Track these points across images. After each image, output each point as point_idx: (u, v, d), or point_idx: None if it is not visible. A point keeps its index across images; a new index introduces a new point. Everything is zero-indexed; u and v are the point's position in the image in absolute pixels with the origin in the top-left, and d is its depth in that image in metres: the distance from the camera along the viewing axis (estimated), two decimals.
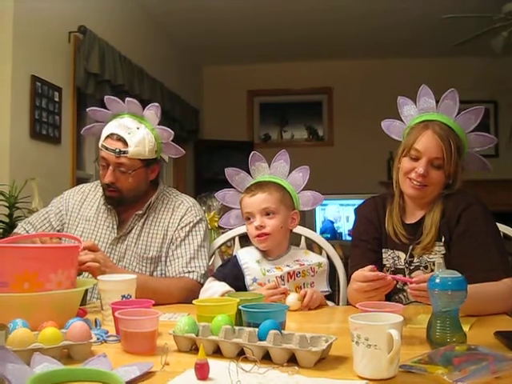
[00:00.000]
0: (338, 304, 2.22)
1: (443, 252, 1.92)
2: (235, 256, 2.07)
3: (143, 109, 2.21)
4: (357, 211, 2.19)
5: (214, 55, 7.11)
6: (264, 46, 6.72)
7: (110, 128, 2.15)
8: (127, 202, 2.21)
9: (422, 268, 1.92)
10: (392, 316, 1.20)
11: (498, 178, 6.49)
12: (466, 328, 1.42)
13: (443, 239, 1.92)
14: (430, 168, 1.92)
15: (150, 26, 5.71)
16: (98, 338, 1.37)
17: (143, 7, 5.40)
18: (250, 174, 2.16)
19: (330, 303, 2.06)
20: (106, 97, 2.26)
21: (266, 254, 2.04)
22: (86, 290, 1.89)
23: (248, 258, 2.03)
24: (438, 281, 1.33)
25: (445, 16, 4.80)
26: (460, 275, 1.35)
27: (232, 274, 2.00)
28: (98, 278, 1.66)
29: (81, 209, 2.29)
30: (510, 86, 6.72)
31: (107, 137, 2.14)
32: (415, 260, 1.95)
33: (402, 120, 2.10)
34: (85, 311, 1.70)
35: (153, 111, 2.21)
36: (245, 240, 2.32)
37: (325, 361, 1.23)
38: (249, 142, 7.55)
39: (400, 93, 2.10)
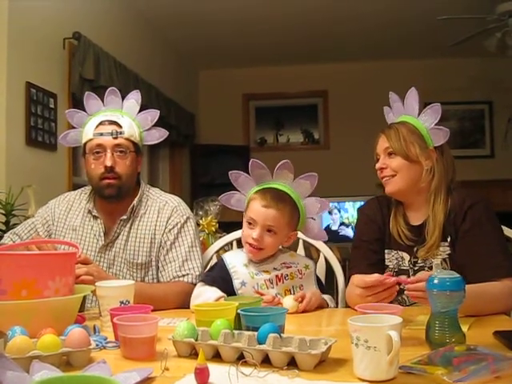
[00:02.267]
0: (337, 306, 2.22)
1: (448, 252, 1.93)
2: (222, 259, 2.05)
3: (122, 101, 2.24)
4: (360, 211, 2.19)
5: (209, 59, 7.12)
6: (259, 49, 6.73)
7: (97, 119, 2.16)
8: (123, 192, 2.18)
9: (426, 269, 1.92)
10: (391, 317, 1.20)
11: (494, 179, 6.53)
12: (464, 328, 1.42)
13: (449, 239, 1.93)
14: (387, 159, 2.02)
15: (144, 31, 5.72)
16: (96, 345, 1.36)
17: (138, 12, 5.40)
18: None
19: (326, 297, 2.05)
20: (86, 93, 2.26)
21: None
22: (85, 297, 1.89)
23: (235, 261, 2.01)
24: (436, 281, 1.33)
25: (439, 18, 4.82)
26: (458, 275, 1.35)
27: (220, 278, 1.97)
28: (96, 284, 1.66)
29: (67, 218, 2.28)
30: (504, 87, 6.74)
31: (98, 125, 2.15)
32: (419, 261, 1.96)
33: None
34: (83, 318, 1.69)
35: (133, 100, 2.23)
36: (242, 244, 2.32)
37: (325, 363, 1.23)
38: (245, 146, 7.56)
39: (396, 94, 2.12)
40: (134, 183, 2.24)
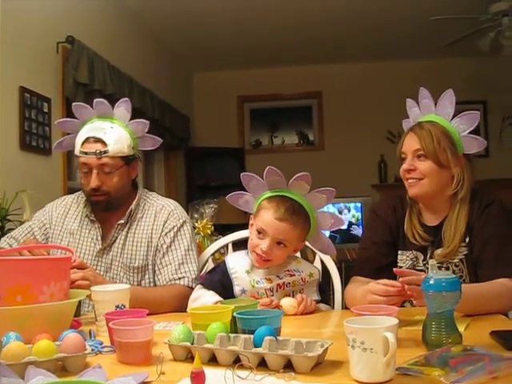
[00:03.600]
0: (333, 309, 2.21)
1: (465, 253, 1.92)
2: (224, 263, 2.00)
3: (112, 108, 2.21)
4: (372, 211, 2.16)
5: (203, 62, 7.12)
6: (253, 51, 6.73)
7: (84, 133, 2.14)
8: (115, 205, 2.19)
9: (443, 269, 1.90)
10: (387, 319, 1.19)
11: (489, 178, 6.53)
12: (461, 328, 1.42)
13: (467, 239, 1.92)
14: (416, 161, 1.95)
15: (138, 34, 5.71)
16: (92, 350, 1.36)
17: (132, 15, 5.39)
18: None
19: (323, 306, 2.04)
20: (73, 104, 2.24)
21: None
22: (80, 301, 1.88)
23: (238, 266, 1.97)
24: (431, 282, 1.33)
25: (432, 18, 4.83)
26: (454, 276, 1.35)
27: (220, 284, 1.94)
28: (92, 288, 1.65)
29: (64, 222, 2.27)
30: (498, 86, 6.76)
31: (84, 142, 2.12)
32: (436, 262, 1.93)
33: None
34: (79, 322, 1.69)
35: (123, 107, 2.21)
36: (238, 246, 2.32)
37: (321, 366, 1.22)
38: (240, 148, 7.55)
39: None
40: (127, 192, 2.23)
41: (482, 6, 4.82)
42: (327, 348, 1.24)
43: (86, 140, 2.12)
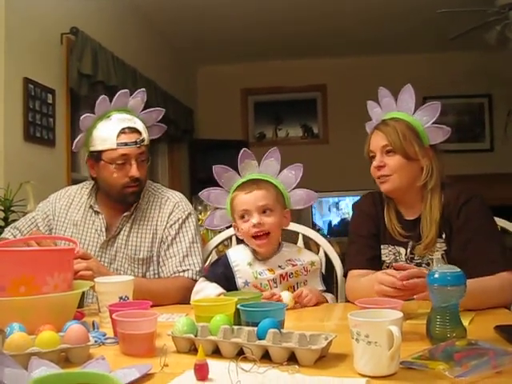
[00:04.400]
0: (336, 301, 2.21)
1: (444, 248, 1.92)
2: (226, 256, 2.02)
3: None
4: (355, 206, 2.18)
5: (207, 54, 7.09)
6: (257, 43, 6.71)
7: (115, 126, 2.12)
8: (140, 194, 2.21)
9: (424, 265, 1.92)
10: (392, 312, 1.19)
11: (494, 172, 6.52)
12: (465, 322, 1.42)
13: (444, 235, 1.92)
14: (384, 158, 1.97)
15: (142, 26, 5.69)
16: (95, 341, 1.36)
17: (136, 7, 5.38)
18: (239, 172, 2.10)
19: (329, 296, 2.03)
20: (100, 97, 2.17)
21: (256, 253, 2.00)
22: (84, 293, 1.88)
23: (239, 259, 1.98)
24: (436, 276, 1.32)
25: (439, 10, 4.80)
26: (459, 270, 1.34)
27: (224, 276, 1.95)
28: (95, 280, 1.65)
29: (68, 213, 2.27)
30: (504, 80, 6.73)
31: (120, 133, 2.11)
32: (416, 257, 1.95)
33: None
34: (82, 314, 1.69)
35: (139, 98, 2.23)
36: (241, 239, 2.31)
37: (325, 359, 1.22)
38: (243, 141, 7.54)
39: (393, 88, 2.10)
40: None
41: None
42: (331, 341, 1.24)
43: (122, 131, 2.11)
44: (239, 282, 1.93)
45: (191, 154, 7.18)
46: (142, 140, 2.14)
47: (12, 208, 2.99)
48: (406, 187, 1.97)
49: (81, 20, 4.11)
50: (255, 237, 1.95)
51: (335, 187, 6.38)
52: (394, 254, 2.00)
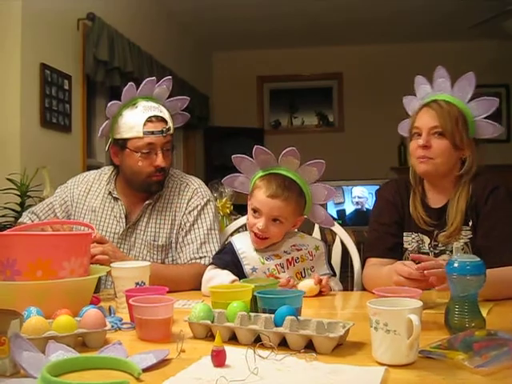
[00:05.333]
0: (352, 290, 2.20)
1: (469, 236, 1.90)
2: (230, 244, 2.01)
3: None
4: (378, 193, 2.15)
5: (223, 41, 7.08)
6: (274, 31, 6.67)
7: (141, 114, 2.10)
8: (164, 182, 2.20)
9: (448, 253, 1.90)
10: (411, 301, 1.17)
11: (509, 163, 6.46)
12: (484, 313, 1.40)
13: (470, 223, 1.90)
14: (432, 138, 1.90)
15: (159, 12, 5.68)
16: (112, 326, 1.36)
17: None
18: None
19: (333, 280, 2.01)
20: (129, 84, 2.15)
21: None
22: (100, 278, 1.88)
23: (245, 246, 1.97)
24: (456, 265, 1.31)
25: None
26: (478, 259, 1.32)
27: (232, 262, 1.94)
28: (112, 265, 1.65)
29: (86, 199, 2.26)
30: None
31: (147, 122, 2.09)
32: (440, 245, 1.93)
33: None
34: (98, 299, 1.69)
35: (164, 86, 2.20)
36: None
37: (342, 347, 1.21)
38: (259, 128, 7.53)
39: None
40: None
41: None
42: (349, 329, 1.23)
43: (149, 120, 2.09)
44: (247, 268, 1.93)
45: (206, 141, 7.17)
46: (168, 129, 2.12)
47: (28, 193, 3.00)
48: (442, 173, 1.94)
49: (97, 6, 4.11)
50: (255, 235, 1.94)
51: (350, 176, 6.35)
52: (417, 241, 1.98)
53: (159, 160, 2.10)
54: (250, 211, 1.97)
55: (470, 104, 1.94)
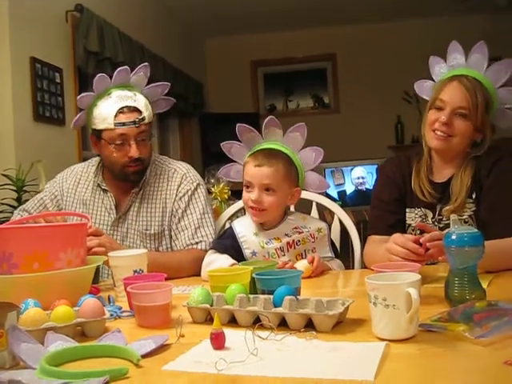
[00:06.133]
0: (353, 268, 2.20)
1: (473, 209, 1.88)
2: (231, 228, 2.01)
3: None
4: (379, 170, 2.15)
5: (215, 27, 7.04)
6: (265, 14, 6.64)
7: (113, 104, 2.08)
8: (144, 172, 2.18)
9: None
10: (409, 275, 1.17)
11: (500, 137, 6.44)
12: (484, 284, 1.39)
13: (474, 196, 1.89)
14: (455, 117, 1.86)
15: (148, 0, 5.63)
16: (111, 315, 1.35)
17: None
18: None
19: (336, 262, 2.01)
20: (98, 76, 2.14)
21: (262, 223, 1.97)
22: (99, 269, 1.88)
23: (245, 230, 1.97)
24: (454, 237, 1.30)
25: None
26: (476, 230, 1.32)
27: (232, 247, 1.94)
28: (109, 254, 1.64)
29: (76, 192, 2.25)
30: None
31: (118, 113, 2.07)
32: (444, 218, 1.91)
33: (433, 80, 2.02)
34: (97, 289, 1.68)
35: (142, 72, 2.17)
36: None
37: (342, 324, 1.21)
38: (254, 113, 7.50)
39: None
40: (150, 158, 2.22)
41: None
42: (348, 306, 1.22)
43: (120, 111, 2.07)
44: (246, 252, 1.92)
45: (202, 128, 7.16)
46: (142, 119, 2.09)
47: (24, 188, 3.00)
48: (456, 151, 1.91)
49: None
50: (251, 208, 1.94)
51: (348, 157, 6.33)
52: (420, 216, 1.97)
53: (132, 151, 2.08)
54: (244, 189, 1.98)
55: (488, 72, 1.89)
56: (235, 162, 2.06)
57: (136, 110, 2.09)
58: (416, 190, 1.97)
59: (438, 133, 1.88)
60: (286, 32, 7.26)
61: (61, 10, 3.89)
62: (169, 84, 2.27)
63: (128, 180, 2.16)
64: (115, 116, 2.07)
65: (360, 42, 7.27)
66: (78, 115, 2.18)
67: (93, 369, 0.98)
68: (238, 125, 2.00)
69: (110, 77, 2.15)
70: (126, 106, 2.08)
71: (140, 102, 2.12)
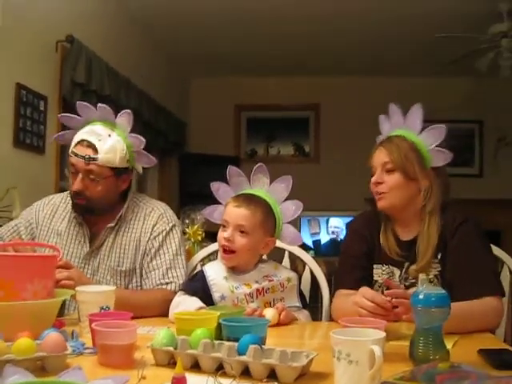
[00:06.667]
0: (321, 320, 2.20)
1: (438, 269, 1.91)
2: (202, 271, 2.01)
3: (115, 115, 2.16)
4: (348, 226, 2.19)
5: (201, 66, 7.10)
6: (252, 59, 6.72)
7: (81, 135, 2.10)
8: (96, 211, 2.14)
9: (417, 285, 1.91)
10: (374, 332, 1.17)
11: (483, 198, 6.55)
12: (449, 345, 1.40)
13: (439, 256, 1.92)
14: (385, 175, 1.96)
15: (139, 37, 5.70)
16: (73, 350, 1.33)
17: (132, 18, 5.38)
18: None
19: (303, 313, 2.01)
20: (77, 102, 2.19)
21: (233, 268, 1.97)
22: (64, 302, 1.85)
23: (215, 274, 1.96)
24: (421, 297, 1.31)
25: (437, 35, 4.86)
26: (443, 291, 1.33)
27: (202, 289, 1.93)
28: (76, 288, 1.63)
29: (51, 222, 2.23)
30: (495, 107, 6.78)
31: (77, 143, 2.08)
32: (410, 277, 1.94)
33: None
34: (62, 323, 1.66)
35: (124, 118, 2.16)
36: None
37: (305, 377, 1.20)
38: (235, 157, 7.53)
39: (385, 110, 2.10)
40: (112, 202, 2.17)
41: (482, 26, 4.83)
42: (312, 359, 1.22)
43: (80, 142, 2.08)
44: (216, 296, 1.91)
45: (181, 167, 7.16)
46: (94, 158, 2.05)
47: None
48: (402, 206, 1.97)
49: (76, 28, 4.11)
50: (223, 248, 1.95)
51: (325, 207, 6.38)
52: (387, 273, 1.98)
53: (75, 183, 2.08)
54: (220, 228, 1.99)
55: (422, 135, 1.98)
56: (219, 203, 2.07)
57: (92, 147, 2.06)
58: (384, 246, 2.00)
59: (377, 195, 1.98)
60: (272, 78, 7.33)
61: (52, 40, 3.91)
62: (144, 140, 2.19)
63: (75, 211, 2.17)
64: (75, 145, 2.09)
65: (344, 94, 7.38)
66: (63, 132, 2.20)
67: None
68: (229, 166, 2.05)
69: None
70: (86, 140, 2.08)
71: (106, 143, 2.08)
